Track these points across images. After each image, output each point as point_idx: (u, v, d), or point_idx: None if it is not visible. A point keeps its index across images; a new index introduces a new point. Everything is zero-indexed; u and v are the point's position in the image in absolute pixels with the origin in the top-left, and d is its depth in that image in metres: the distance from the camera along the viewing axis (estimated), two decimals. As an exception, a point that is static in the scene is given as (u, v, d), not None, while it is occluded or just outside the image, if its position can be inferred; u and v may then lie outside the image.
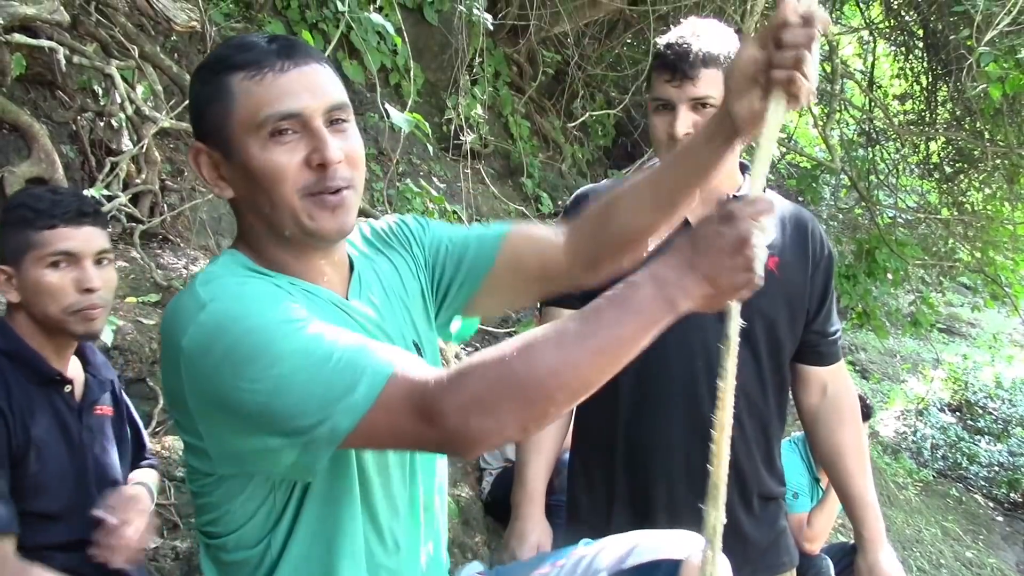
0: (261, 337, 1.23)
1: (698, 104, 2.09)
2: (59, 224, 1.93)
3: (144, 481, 2.10)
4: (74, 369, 2.06)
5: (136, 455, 2.21)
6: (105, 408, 2.10)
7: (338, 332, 1.28)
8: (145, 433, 2.28)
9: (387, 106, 3.46)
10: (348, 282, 1.53)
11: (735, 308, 1.26)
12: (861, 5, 9.00)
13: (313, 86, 1.35)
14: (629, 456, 2.27)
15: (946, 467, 10.09)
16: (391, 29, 3.67)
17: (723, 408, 1.27)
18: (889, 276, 7.92)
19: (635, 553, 1.63)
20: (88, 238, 1.98)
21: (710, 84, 2.08)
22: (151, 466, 2.25)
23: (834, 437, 2.40)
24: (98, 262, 2.01)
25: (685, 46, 2.09)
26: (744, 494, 2.31)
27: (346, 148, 1.37)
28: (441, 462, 1.65)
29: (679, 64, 2.08)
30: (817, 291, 2.33)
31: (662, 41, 2.17)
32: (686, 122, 2.08)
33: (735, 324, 1.27)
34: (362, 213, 5.27)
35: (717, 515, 1.27)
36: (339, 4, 3.86)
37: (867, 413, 4.05)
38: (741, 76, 1.28)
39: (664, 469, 2.23)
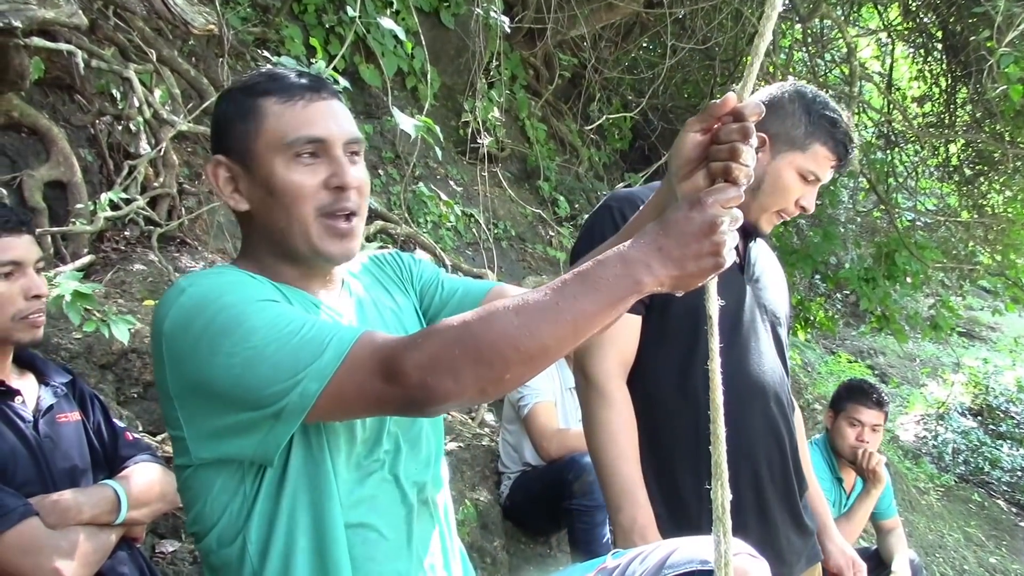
0: (235, 312, 1.34)
1: None
2: (3, 234, 1.95)
3: (111, 482, 2.02)
4: (25, 381, 2.05)
5: (114, 453, 2.14)
6: (70, 415, 2.07)
7: (308, 313, 1.43)
8: (124, 427, 2.21)
9: (395, 111, 3.45)
10: (337, 294, 1.63)
11: (713, 290, 1.32)
12: (879, 7, 8.94)
13: (338, 118, 1.50)
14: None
15: (967, 472, 10.01)
16: (402, 34, 3.66)
17: (715, 388, 1.32)
18: (908, 279, 7.86)
19: (668, 565, 1.61)
20: (28, 246, 2.00)
21: None
22: (146, 459, 2.15)
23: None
24: (37, 270, 2.02)
25: (851, 138, 2.18)
26: (800, 488, 2.37)
27: (359, 178, 1.51)
28: (434, 459, 1.66)
29: (847, 154, 2.18)
30: (791, 309, 2.54)
31: (832, 120, 2.18)
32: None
33: (714, 305, 1.33)
34: (380, 216, 5.29)
35: (724, 494, 1.31)
36: (350, 10, 3.84)
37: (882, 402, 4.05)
38: (686, 160, 1.32)
39: (750, 472, 2.24)
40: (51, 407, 2.04)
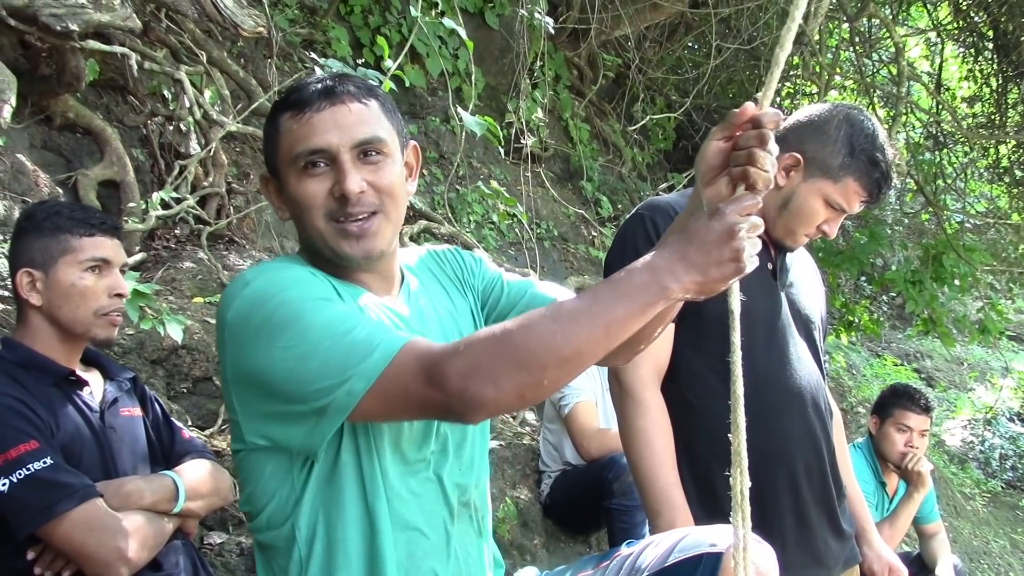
0: (294, 308, 1.40)
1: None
2: (97, 233, 2.06)
3: (170, 473, 2.09)
4: (91, 376, 2.12)
5: (170, 450, 2.21)
6: (132, 410, 2.16)
7: (362, 313, 1.47)
8: (180, 426, 2.30)
9: (460, 110, 3.49)
10: (396, 293, 1.66)
11: (735, 288, 1.37)
12: (928, 6, 8.83)
13: (344, 124, 1.49)
14: (754, 465, 2.25)
15: (1015, 478, 9.85)
16: (463, 34, 3.69)
17: (736, 380, 1.41)
18: (956, 282, 7.75)
19: (678, 550, 1.66)
20: (118, 249, 2.11)
21: None
22: (200, 456, 2.22)
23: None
24: (121, 272, 2.12)
25: (889, 179, 2.18)
26: (838, 492, 2.36)
27: (373, 179, 1.51)
28: (477, 461, 1.70)
29: (881, 194, 2.19)
30: (827, 313, 2.55)
31: (873, 158, 2.16)
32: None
33: (736, 299, 1.39)
34: (423, 216, 5.33)
35: (743, 480, 1.41)
36: (412, 10, 3.87)
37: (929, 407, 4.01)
38: (709, 166, 1.37)
39: (787, 475, 2.24)
40: (116, 400, 2.12)
